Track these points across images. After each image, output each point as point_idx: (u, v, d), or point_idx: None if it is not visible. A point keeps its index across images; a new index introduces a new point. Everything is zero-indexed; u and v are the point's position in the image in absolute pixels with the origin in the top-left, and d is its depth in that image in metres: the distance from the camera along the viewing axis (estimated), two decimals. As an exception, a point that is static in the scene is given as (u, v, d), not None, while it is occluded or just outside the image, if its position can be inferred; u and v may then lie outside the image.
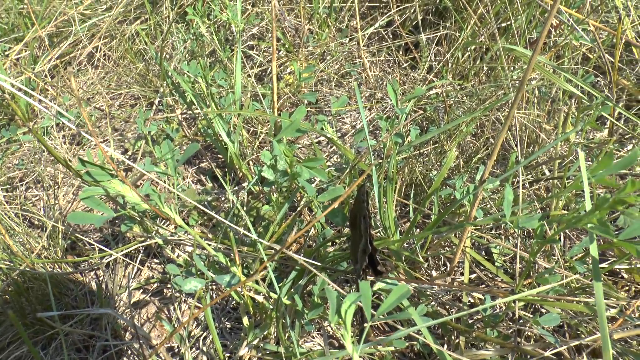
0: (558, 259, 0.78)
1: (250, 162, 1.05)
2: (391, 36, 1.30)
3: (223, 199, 1.04)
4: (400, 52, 1.25)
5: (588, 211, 0.53)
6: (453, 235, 0.82)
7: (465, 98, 0.91)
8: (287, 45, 1.33)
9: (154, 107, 1.21)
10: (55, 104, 1.29)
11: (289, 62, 1.30)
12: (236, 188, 1.02)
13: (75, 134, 1.26)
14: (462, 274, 0.83)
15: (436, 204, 0.80)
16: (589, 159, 0.93)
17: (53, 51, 1.46)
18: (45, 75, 1.45)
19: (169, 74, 1.06)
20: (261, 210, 0.85)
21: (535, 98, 0.95)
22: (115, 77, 1.45)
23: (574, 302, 0.63)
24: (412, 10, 1.24)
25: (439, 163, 0.89)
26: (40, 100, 1.29)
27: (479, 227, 0.84)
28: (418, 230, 0.93)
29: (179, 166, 1.15)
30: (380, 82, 1.20)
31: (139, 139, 1.24)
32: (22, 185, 1.17)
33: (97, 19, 1.48)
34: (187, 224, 1.03)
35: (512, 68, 1.06)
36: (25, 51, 1.40)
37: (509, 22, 1.13)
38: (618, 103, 1.15)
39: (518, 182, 0.90)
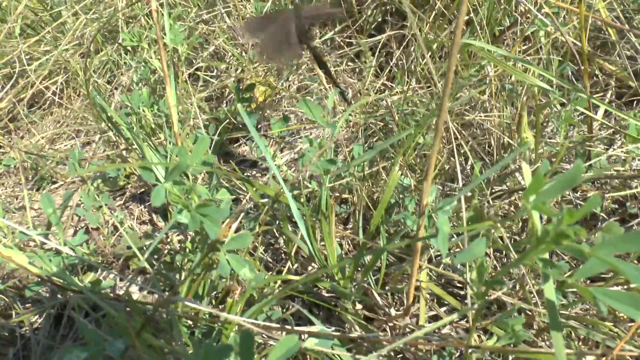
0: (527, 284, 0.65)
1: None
2: (353, 42, 1.19)
3: (169, 239, 0.95)
4: (362, 59, 1.15)
5: (530, 246, 0.41)
6: (409, 267, 0.71)
7: (419, 105, 0.80)
8: (244, 64, 1.24)
9: (94, 145, 1.13)
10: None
11: (248, 80, 1.20)
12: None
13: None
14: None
15: (382, 235, 0.68)
16: (571, 158, 0.81)
17: (10, 91, 1.39)
18: (2, 119, 1.39)
19: (106, 110, 0.97)
20: (175, 260, 0.75)
21: (504, 96, 0.83)
22: (80, 115, 1.38)
23: (535, 352, 0.51)
24: (368, 13, 1.13)
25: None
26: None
27: (435, 258, 0.72)
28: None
29: (118, 207, 1.06)
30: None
31: (95, 179, 1.16)
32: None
33: (49, 55, 1.42)
34: (129, 267, 0.94)
35: (478, 66, 0.94)
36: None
37: (471, 16, 1.01)
38: (607, 91, 1.02)
39: (484, 195, 0.78)
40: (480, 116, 0.80)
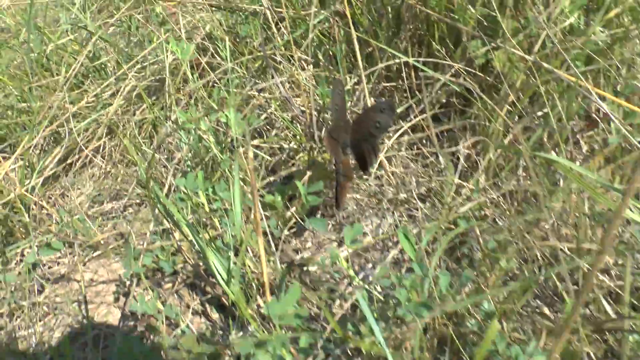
0: None
1: (257, 304, 0.91)
2: (414, 123, 1.15)
3: (228, 343, 0.91)
4: (424, 142, 1.11)
5: None
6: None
7: (501, 219, 0.76)
8: (298, 137, 1.20)
9: (148, 234, 1.09)
10: (46, 224, 1.19)
11: (298, 159, 1.17)
12: (242, 333, 0.89)
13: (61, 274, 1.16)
14: None
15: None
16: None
17: (53, 153, 1.36)
18: (44, 184, 1.36)
19: (160, 198, 0.94)
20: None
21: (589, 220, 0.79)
22: (120, 178, 1.36)
23: None
24: (432, 94, 1.09)
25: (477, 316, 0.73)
26: (35, 219, 1.20)
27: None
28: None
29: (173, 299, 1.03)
30: (403, 179, 1.06)
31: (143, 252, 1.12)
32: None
33: (97, 114, 1.39)
34: (189, 374, 0.90)
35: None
36: (20, 160, 1.31)
37: (545, 110, 0.97)
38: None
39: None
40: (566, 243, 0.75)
